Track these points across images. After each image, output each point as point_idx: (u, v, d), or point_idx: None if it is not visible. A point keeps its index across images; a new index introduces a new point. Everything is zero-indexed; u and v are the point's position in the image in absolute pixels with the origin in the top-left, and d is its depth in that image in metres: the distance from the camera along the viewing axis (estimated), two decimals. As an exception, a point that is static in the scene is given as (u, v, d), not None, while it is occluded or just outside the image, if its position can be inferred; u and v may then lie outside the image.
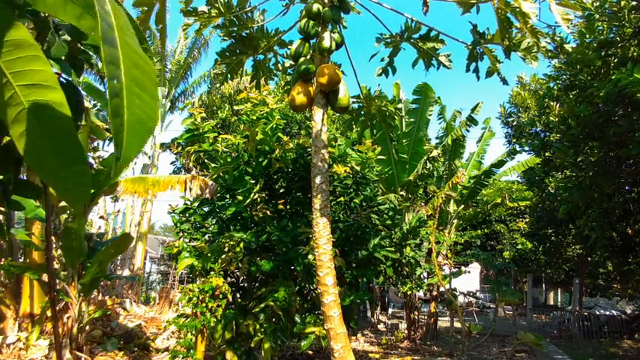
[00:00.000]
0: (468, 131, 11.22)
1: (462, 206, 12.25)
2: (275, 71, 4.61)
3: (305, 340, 5.17)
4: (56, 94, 1.01)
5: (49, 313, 5.93)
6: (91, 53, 2.15)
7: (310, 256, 5.28)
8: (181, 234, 6.41)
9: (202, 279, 5.87)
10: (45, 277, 5.37)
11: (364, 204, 6.33)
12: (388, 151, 10.64)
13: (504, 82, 4.08)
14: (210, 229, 6.34)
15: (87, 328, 6.38)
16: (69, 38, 2.03)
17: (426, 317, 12.40)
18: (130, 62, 0.87)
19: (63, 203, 5.75)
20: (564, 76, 7.31)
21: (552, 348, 9.58)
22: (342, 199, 6.24)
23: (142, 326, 8.68)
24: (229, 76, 4.49)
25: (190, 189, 5.93)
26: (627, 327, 12.95)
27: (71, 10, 1.01)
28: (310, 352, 7.88)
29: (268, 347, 5.05)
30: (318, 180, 3.79)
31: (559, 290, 25.72)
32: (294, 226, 5.62)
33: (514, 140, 13.16)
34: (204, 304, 5.39)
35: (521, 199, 17.13)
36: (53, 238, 5.38)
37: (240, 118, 6.69)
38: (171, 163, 18.18)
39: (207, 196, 5.93)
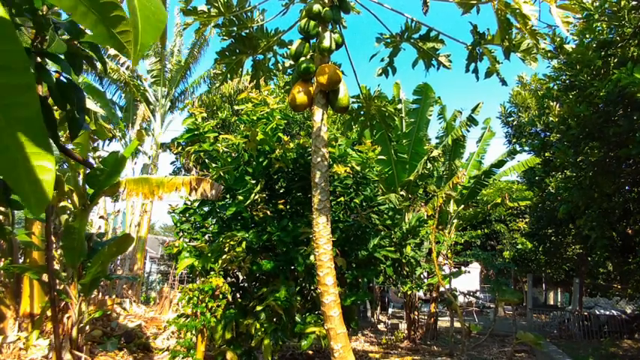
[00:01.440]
0: (468, 131, 11.23)
1: (462, 206, 12.25)
2: (275, 71, 4.61)
3: (305, 339, 5.17)
4: (25, 77, 0.89)
5: (49, 313, 5.93)
6: (88, 52, 2.15)
7: (312, 257, 5.28)
8: (181, 234, 6.41)
9: (202, 279, 5.88)
10: (45, 277, 5.37)
11: (364, 204, 6.33)
12: (388, 151, 10.65)
13: (503, 82, 4.09)
14: (211, 229, 6.34)
15: (87, 328, 6.38)
16: (68, 37, 2.04)
17: (426, 317, 12.40)
18: None
19: (63, 203, 5.75)
20: (564, 77, 7.31)
21: (552, 348, 9.58)
22: (342, 199, 6.24)
23: (142, 326, 8.68)
24: (229, 75, 4.49)
25: (195, 190, 5.91)
26: (627, 327, 12.95)
27: None
28: (310, 352, 7.88)
29: (269, 347, 5.06)
30: (318, 180, 3.79)
31: (559, 290, 25.73)
32: (295, 226, 5.62)
33: (514, 140, 13.17)
34: (204, 304, 5.39)
35: (521, 199, 17.13)
36: (53, 238, 5.38)
37: (241, 118, 6.69)
38: (171, 163, 18.19)
39: (214, 197, 5.90)
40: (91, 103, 3.67)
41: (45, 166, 0.93)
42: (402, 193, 10.90)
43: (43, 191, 0.95)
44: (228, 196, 6.41)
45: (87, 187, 5.87)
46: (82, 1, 0.98)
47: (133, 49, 1.04)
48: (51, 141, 1.81)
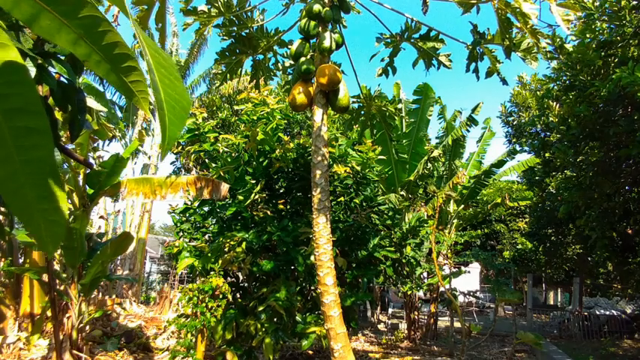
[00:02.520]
0: (469, 131, 11.23)
1: (462, 206, 12.25)
2: (275, 71, 4.61)
3: (306, 339, 5.17)
4: (40, 121, 0.91)
5: (49, 314, 5.93)
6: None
7: (312, 257, 5.28)
8: (181, 234, 6.41)
9: (202, 279, 5.87)
10: (45, 278, 5.37)
11: (364, 204, 6.32)
12: (388, 151, 10.65)
13: (504, 82, 4.09)
14: (211, 229, 6.34)
15: (87, 328, 6.39)
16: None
17: (426, 317, 12.40)
18: (154, 59, 1.00)
19: (63, 203, 5.74)
20: (564, 77, 7.30)
21: (552, 348, 9.58)
22: (342, 199, 6.24)
23: (142, 326, 8.68)
24: (229, 75, 4.49)
25: (202, 190, 5.88)
26: (627, 327, 12.95)
27: (66, 35, 0.95)
28: (310, 352, 7.88)
29: (269, 346, 5.06)
30: (318, 179, 3.79)
31: (559, 290, 25.72)
32: (295, 226, 5.62)
33: (514, 140, 13.16)
34: (204, 304, 5.39)
35: (521, 199, 17.14)
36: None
37: (241, 118, 6.69)
38: (171, 163, 18.20)
39: (221, 197, 5.88)
40: (93, 102, 3.67)
41: (58, 208, 0.96)
42: (402, 193, 10.90)
43: (57, 231, 0.98)
44: (228, 196, 6.41)
45: (87, 187, 5.88)
46: (96, 51, 0.99)
47: (162, 142, 1.04)
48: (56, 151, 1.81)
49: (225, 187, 5.87)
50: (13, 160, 0.90)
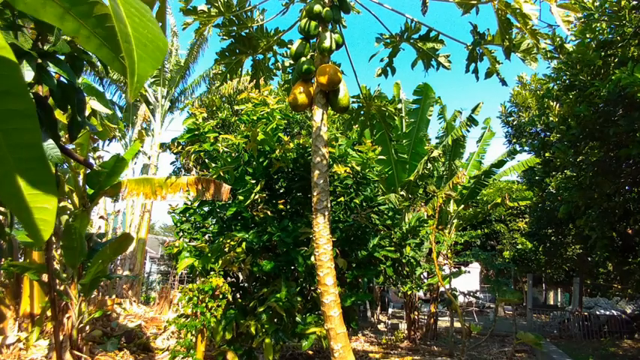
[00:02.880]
0: (469, 131, 11.23)
1: (462, 206, 12.26)
2: (275, 71, 4.61)
3: (306, 340, 5.17)
4: (25, 103, 0.87)
5: (49, 314, 5.93)
6: (90, 53, 2.15)
7: (312, 257, 5.28)
8: (181, 234, 6.41)
9: (202, 279, 5.87)
10: (45, 278, 5.37)
11: (364, 204, 6.32)
12: (388, 151, 10.65)
13: (503, 82, 4.09)
14: (211, 229, 6.34)
15: (87, 328, 6.38)
16: (68, 38, 2.04)
17: (426, 317, 12.41)
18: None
19: (63, 203, 5.75)
20: (564, 77, 7.30)
21: (552, 348, 9.58)
22: (342, 199, 6.24)
23: (142, 326, 8.68)
24: (229, 75, 4.49)
25: (203, 191, 5.88)
26: (627, 327, 12.95)
27: (52, 10, 0.90)
28: (310, 352, 7.88)
29: (270, 347, 5.06)
30: (318, 179, 3.79)
31: (559, 290, 25.72)
32: (295, 226, 5.62)
33: (514, 140, 13.15)
34: (204, 304, 5.39)
35: (521, 199, 17.14)
36: (53, 238, 5.38)
37: (241, 118, 6.69)
38: (171, 163, 18.18)
39: (221, 198, 5.88)
40: (96, 103, 3.67)
41: (47, 195, 0.92)
42: (402, 193, 10.90)
43: (46, 217, 0.93)
44: (230, 196, 6.41)
45: (87, 187, 5.88)
46: (85, 25, 0.94)
47: (129, 80, 0.89)
48: (49, 147, 1.81)
49: (226, 189, 5.87)
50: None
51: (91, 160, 6.60)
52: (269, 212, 5.94)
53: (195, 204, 6.45)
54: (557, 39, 6.49)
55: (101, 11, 0.94)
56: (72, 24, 0.94)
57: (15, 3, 0.89)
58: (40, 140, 0.91)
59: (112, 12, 0.87)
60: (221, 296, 5.48)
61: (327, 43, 3.90)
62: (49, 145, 1.78)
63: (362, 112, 4.68)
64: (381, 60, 4.33)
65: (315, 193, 3.78)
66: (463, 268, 11.11)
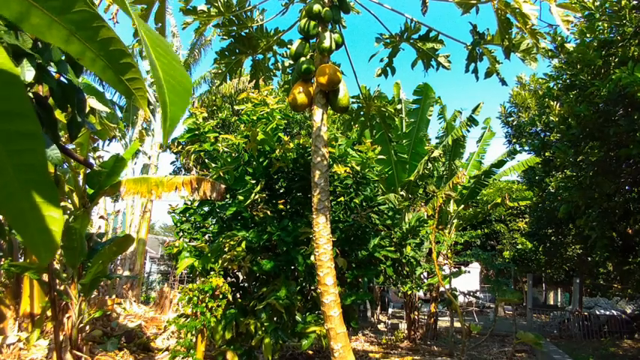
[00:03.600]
0: (469, 131, 11.23)
1: (462, 206, 12.26)
2: (274, 71, 4.61)
3: (306, 339, 5.17)
4: (31, 124, 0.87)
5: (49, 313, 5.93)
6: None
7: (312, 257, 5.28)
8: (181, 234, 6.41)
9: (202, 279, 5.88)
10: (45, 277, 5.37)
11: (364, 204, 6.33)
12: (388, 151, 10.65)
13: (503, 82, 4.09)
14: (211, 228, 6.34)
15: (87, 328, 6.39)
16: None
17: (426, 317, 12.40)
18: (149, 38, 0.96)
19: (63, 203, 5.75)
20: (564, 76, 7.30)
21: (552, 348, 9.58)
22: (342, 199, 6.24)
23: (142, 326, 8.69)
24: (228, 75, 4.49)
25: (197, 190, 5.90)
26: (627, 327, 12.95)
27: (57, 32, 0.90)
28: (310, 351, 7.89)
29: (269, 346, 5.06)
30: (318, 179, 3.79)
31: (559, 290, 25.72)
32: (295, 226, 5.62)
33: (514, 140, 13.16)
34: (204, 304, 5.39)
35: (521, 198, 17.14)
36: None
37: (241, 118, 6.70)
38: (171, 163, 18.18)
39: (215, 198, 5.90)
40: (95, 102, 3.67)
41: (53, 216, 0.92)
42: (402, 193, 10.90)
43: (51, 240, 0.93)
44: (228, 196, 6.41)
45: (87, 187, 5.88)
46: (91, 48, 0.95)
47: (162, 125, 0.98)
48: (49, 148, 1.81)
49: (221, 188, 5.88)
50: (4, 166, 0.86)
51: (91, 160, 6.61)
52: (269, 212, 5.94)
53: (195, 204, 6.46)
54: (558, 37, 6.48)
55: (106, 35, 0.95)
56: (77, 46, 0.95)
57: (21, 25, 0.90)
58: (45, 162, 0.92)
59: (149, 61, 0.94)
60: (221, 296, 5.48)
61: (326, 43, 3.90)
62: (49, 146, 1.79)
63: (362, 113, 4.68)
64: (381, 60, 4.33)
65: (315, 193, 3.78)
66: (463, 268, 11.12)
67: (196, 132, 6.51)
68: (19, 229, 0.92)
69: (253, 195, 5.79)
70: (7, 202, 0.88)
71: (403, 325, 12.46)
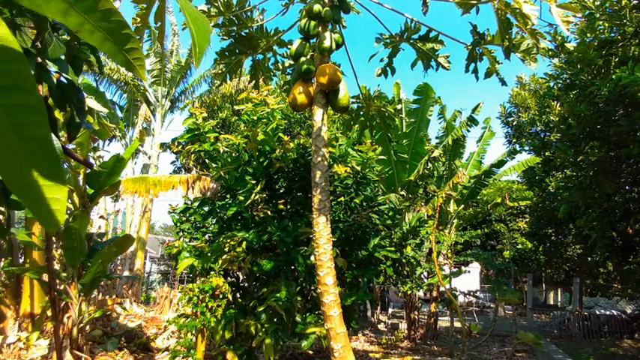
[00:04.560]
0: (469, 131, 11.23)
1: (462, 206, 12.25)
2: (274, 71, 4.61)
3: (306, 340, 5.17)
4: (33, 97, 0.89)
5: (49, 313, 5.93)
6: (88, 53, 2.14)
7: (312, 257, 5.27)
8: (181, 234, 6.41)
9: (202, 279, 5.88)
10: (45, 277, 5.37)
11: (364, 204, 6.32)
12: (388, 151, 10.65)
13: (503, 82, 4.09)
14: (211, 228, 6.34)
15: (87, 328, 6.39)
16: (68, 37, 2.03)
17: (426, 317, 12.41)
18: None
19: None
20: (565, 76, 7.30)
21: (552, 348, 9.58)
22: (342, 199, 6.23)
23: (142, 326, 8.68)
24: (228, 75, 4.49)
25: (192, 189, 5.92)
26: (627, 327, 12.95)
27: (56, 5, 0.91)
28: (310, 352, 7.89)
29: (270, 347, 5.06)
30: (318, 179, 3.79)
31: (559, 290, 25.72)
32: (295, 226, 5.62)
33: (514, 140, 13.16)
34: (204, 304, 5.39)
35: (521, 198, 17.13)
36: (53, 238, 5.38)
37: (241, 118, 6.69)
38: (171, 163, 18.17)
39: (209, 196, 5.91)
40: (93, 102, 3.68)
41: (58, 185, 0.94)
42: (402, 193, 10.90)
43: (58, 207, 0.95)
44: (228, 196, 6.41)
45: (87, 187, 5.88)
46: (89, 20, 0.95)
47: (193, 51, 1.21)
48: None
49: (215, 186, 5.89)
50: (10, 138, 0.87)
51: (91, 160, 6.60)
52: (269, 212, 5.94)
53: (195, 204, 6.45)
54: (559, 37, 6.48)
55: (106, 6, 0.96)
56: (76, 19, 0.95)
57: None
58: (49, 133, 0.93)
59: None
60: (221, 296, 5.48)
61: (327, 43, 3.90)
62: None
63: (362, 113, 4.67)
64: (381, 60, 4.33)
65: (315, 193, 3.78)
66: (463, 268, 11.12)
67: (196, 132, 6.50)
68: (25, 199, 0.93)
69: (253, 195, 5.78)
70: (14, 173, 0.90)
71: (403, 325, 12.46)
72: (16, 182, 0.91)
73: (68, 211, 5.86)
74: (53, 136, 1.80)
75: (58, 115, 3.18)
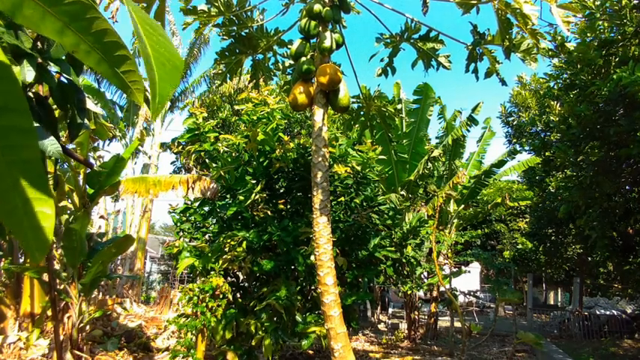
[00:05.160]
0: (469, 131, 11.23)
1: (463, 206, 12.25)
2: (274, 71, 4.61)
3: (306, 339, 5.17)
4: (24, 119, 0.86)
5: (49, 313, 5.93)
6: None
7: (312, 257, 5.27)
8: (181, 234, 6.41)
9: (203, 279, 5.88)
10: (45, 277, 5.37)
11: (365, 204, 6.32)
12: (388, 151, 10.65)
13: (503, 82, 4.09)
14: (211, 228, 6.34)
15: (87, 328, 6.39)
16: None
17: (426, 317, 12.41)
18: (138, 16, 0.98)
19: (63, 203, 5.76)
20: (565, 76, 7.30)
21: (552, 348, 9.58)
22: (342, 199, 6.24)
23: (143, 326, 8.69)
24: (229, 75, 4.49)
25: (192, 189, 5.92)
26: (627, 327, 12.95)
27: (51, 24, 0.89)
28: (310, 351, 7.89)
29: (269, 346, 5.06)
30: (318, 179, 3.79)
31: (559, 290, 25.71)
32: (295, 226, 5.62)
33: (514, 140, 13.16)
34: (204, 304, 5.39)
35: (521, 198, 17.14)
36: (54, 237, 5.38)
37: (241, 118, 6.69)
38: (171, 163, 18.17)
39: (209, 196, 5.91)
40: (90, 104, 3.67)
41: (45, 212, 0.91)
42: (402, 193, 10.90)
43: (43, 236, 0.92)
44: (228, 196, 6.41)
45: (87, 187, 5.88)
46: (85, 40, 0.93)
47: (151, 101, 0.97)
48: (50, 142, 1.80)
49: (215, 187, 5.89)
50: None
51: (91, 160, 6.61)
52: (269, 212, 5.94)
53: (196, 204, 6.45)
54: (559, 37, 6.47)
55: (100, 27, 0.94)
56: (71, 39, 0.93)
57: (14, 17, 0.88)
58: (38, 157, 0.90)
59: (136, 36, 0.94)
60: (221, 296, 5.48)
61: (327, 43, 3.90)
62: (50, 141, 1.78)
63: (362, 112, 4.67)
64: (381, 60, 4.33)
65: (315, 193, 3.78)
66: (463, 268, 11.12)
67: (196, 132, 6.50)
68: (11, 226, 0.90)
69: (253, 195, 5.78)
70: (0, 197, 0.86)
71: (403, 325, 12.46)
72: (2, 207, 0.88)
73: (68, 211, 5.87)
74: (52, 137, 1.80)
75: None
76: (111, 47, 0.98)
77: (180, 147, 13.81)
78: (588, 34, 6.49)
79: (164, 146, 14.71)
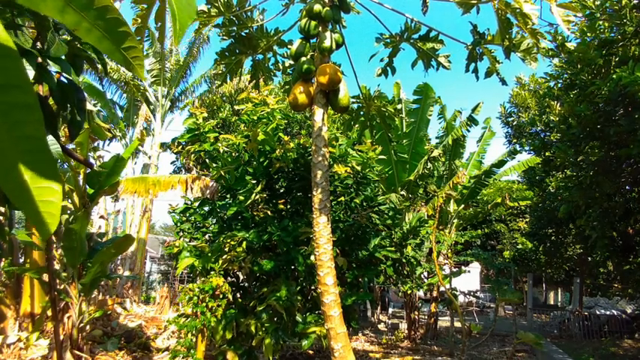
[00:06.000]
0: (469, 131, 11.24)
1: (463, 206, 12.25)
2: (274, 71, 4.61)
3: (306, 339, 5.17)
4: (28, 95, 0.86)
5: (49, 313, 5.93)
6: (89, 53, 2.14)
7: (312, 257, 5.27)
8: (181, 234, 6.41)
9: (203, 279, 5.88)
10: (45, 277, 5.37)
11: (365, 204, 6.32)
12: (388, 151, 10.65)
13: (503, 82, 4.09)
14: (211, 228, 6.34)
15: (87, 327, 6.38)
16: (69, 37, 2.03)
17: (426, 317, 12.41)
18: None
19: (63, 203, 5.76)
20: (565, 76, 7.30)
21: (552, 348, 9.58)
22: (342, 198, 6.23)
23: (143, 326, 8.68)
24: (229, 76, 4.49)
25: (192, 188, 5.93)
26: (627, 327, 12.95)
27: (52, 2, 0.88)
28: (310, 351, 7.89)
29: (269, 346, 5.06)
30: (318, 179, 3.79)
31: (559, 290, 25.71)
32: (295, 225, 5.62)
33: (514, 140, 13.16)
34: (204, 304, 5.39)
35: (521, 198, 17.14)
36: (54, 237, 5.38)
37: (241, 118, 6.69)
38: (171, 163, 18.17)
39: (208, 196, 5.92)
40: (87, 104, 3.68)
41: (52, 188, 0.91)
42: (402, 193, 10.90)
43: (52, 209, 0.92)
44: (228, 196, 6.41)
45: (87, 187, 5.88)
46: (86, 17, 0.93)
47: (173, 28, 1.14)
48: (49, 142, 1.80)
49: (214, 187, 5.90)
50: (2, 137, 0.84)
51: (91, 160, 6.60)
52: (269, 212, 5.94)
53: (196, 204, 6.45)
54: (559, 37, 6.48)
55: (101, 3, 0.94)
56: (72, 17, 0.93)
57: None
58: (43, 133, 0.90)
59: None
60: (221, 296, 5.48)
61: (327, 43, 3.90)
62: (50, 141, 1.78)
63: (362, 112, 4.67)
64: (381, 60, 4.33)
65: (315, 193, 3.78)
66: (463, 268, 11.12)
67: (196, 132, 6.50)
68: (18, 201, 0.90)
69: (254, 195, 5.78)
70: (7, 174, 0.87)
71: (403, 325, 12.46)
72: (9, 183, 0.88)
73: (68, 211, 5.87)
74: (51, 136, 1.80)
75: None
76: (112, 24, 0.98)
77: (180, 147, 13.81)
78: (588, 34, 6.49)
79: (164, 146, 14.71)
